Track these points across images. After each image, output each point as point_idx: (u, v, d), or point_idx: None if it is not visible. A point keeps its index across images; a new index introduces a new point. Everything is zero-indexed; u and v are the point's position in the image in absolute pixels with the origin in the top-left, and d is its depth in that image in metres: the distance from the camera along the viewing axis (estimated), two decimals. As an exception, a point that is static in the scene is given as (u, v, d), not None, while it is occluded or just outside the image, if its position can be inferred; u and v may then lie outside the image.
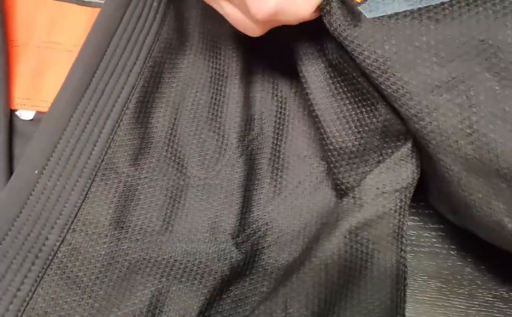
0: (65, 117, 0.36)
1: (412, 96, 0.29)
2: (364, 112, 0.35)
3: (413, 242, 0.38)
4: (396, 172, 0.33)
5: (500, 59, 0.28)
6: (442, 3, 0.30)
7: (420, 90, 0.29)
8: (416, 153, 0.33)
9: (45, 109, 0.39)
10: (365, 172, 0.34)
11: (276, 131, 0.40)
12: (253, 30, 0.34)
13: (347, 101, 0.36)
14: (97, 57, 0.38)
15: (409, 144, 0.33)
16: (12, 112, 0.40)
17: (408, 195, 0.33)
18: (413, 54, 0.30)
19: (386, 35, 0.30)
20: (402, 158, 0.33)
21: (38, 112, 0.40)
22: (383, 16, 0.31)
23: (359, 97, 0.35)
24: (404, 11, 0.30)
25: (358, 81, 0.34)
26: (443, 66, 0.29)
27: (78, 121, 0.36)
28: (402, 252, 0.33)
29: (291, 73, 0.41)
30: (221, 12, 0.35)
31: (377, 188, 0.33)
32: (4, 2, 0.43)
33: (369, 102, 0.34)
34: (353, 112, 0.35)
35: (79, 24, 0.43)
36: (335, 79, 0.37)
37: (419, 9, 0.30)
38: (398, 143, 0.33)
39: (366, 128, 0.34)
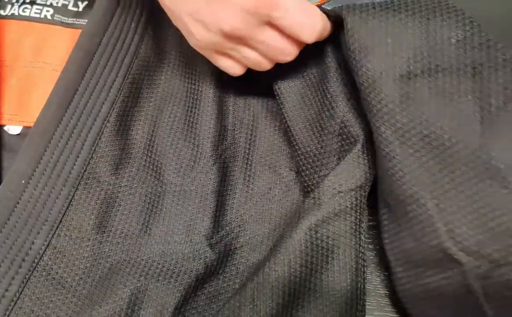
0: (49, 131, 0.39)
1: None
2: (325, 117, 0.38)
3: (376, 241, 0.41)
4: (351, 172, 0.36)
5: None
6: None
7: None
8: (367, 155, 0.36)
9: (32, 124, 0.42)
10: (326, 174, 0.38)
11: (248, 141, 0.44)
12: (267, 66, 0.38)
13: (312, 111, 0.40)
14: (79, 75, 0.42)
15: (359, 146, 0.36)
16: (0, 128, 0.42)
17: (363, 193, 0.36)
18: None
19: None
20: (354, 159, 0.36)
21: (25, 127, 0.43)
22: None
23: (322, 102, 0.39)
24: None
25: (322, 87, 0.38)
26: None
27: (61, 134, 0.39)
28: (361, 248, 0.36)
29: (261, 89, 0.44)
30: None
31: (334, 188, 0.36)
32: (-6, 26, 0.46)
33: (329, 106, 0.38)
34: (316, 119, 0.39)
35: (64, 44, 0.47)
36: (305, 93, 0.41)
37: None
38: (352, 145, 0.37)
39: (326, 131, 0.38)
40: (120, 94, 0.42)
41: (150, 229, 0.39)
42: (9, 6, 0.48)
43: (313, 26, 0.34)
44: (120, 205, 0.39)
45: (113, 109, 0.42)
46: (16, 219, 0.36)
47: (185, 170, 0.41)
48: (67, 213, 0.38)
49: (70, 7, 0.49)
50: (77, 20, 0.48)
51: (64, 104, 0.40)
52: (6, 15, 0.47)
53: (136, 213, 0.39)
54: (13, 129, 0.43)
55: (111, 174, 0.40)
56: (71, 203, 0.38)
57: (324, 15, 0.35)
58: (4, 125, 0.43)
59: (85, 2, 0.49)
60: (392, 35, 0.34)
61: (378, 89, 0.33)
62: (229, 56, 0.38)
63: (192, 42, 0.38)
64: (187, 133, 0.43)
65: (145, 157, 0.42)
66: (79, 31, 0.46)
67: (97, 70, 0.42)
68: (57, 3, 0.49)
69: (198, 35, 0.36)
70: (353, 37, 0.34)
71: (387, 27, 0.34)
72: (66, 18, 0.48)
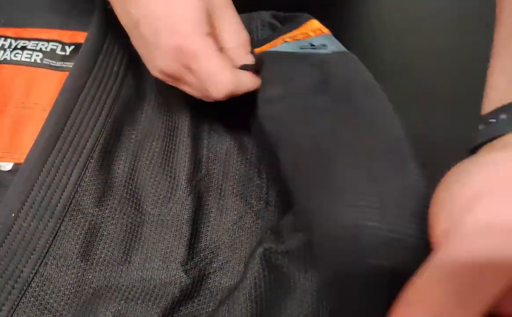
0: (37, 168, 0.43)
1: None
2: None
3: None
4: None
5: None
6: None
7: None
8: None
9: (22, 161, 0.45)
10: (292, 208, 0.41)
11: (221, 172, 0.47)
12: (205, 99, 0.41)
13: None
14: (65, 116, 0.45)
15: None
16: (-8, 164, 0.46)
17: None
18: None
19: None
20: None
21: (16, 164, 0.46)
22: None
23: None
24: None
25: None
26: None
27: (49, 170, 0.43)
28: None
29: (234, 123, 0.48)
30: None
31: (294, 224, 0.39)
32: (-14, 70, 0.50)
33: None
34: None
35: (52, 86, 0.50)
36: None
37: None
38: None
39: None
40: (103, 132, 0.46)
41: (130, 256, 0.42)
42: (1, 52, 0.52)
43: (219, 88, 0.37)
44: (103, 234, 0.43)
45: (97, 146, 0.45)
46: (6, 249, 0.40)
47: (163, 201, 0.45)
48: (53, 243, 0.41)
49: (58, 51, 0.53)
50: (65, 63, 0.52)
51: (51, 142, 0.44)
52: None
53: (117, 241, 0.43)
54: (4, 165, 0.46)
55: (95, 206, 0.44)
56: (58, 234, 0.42)
57: (239, 75, 0.38)
58: (-4, 162, 0.46)
59: (72, 47, 0.53)
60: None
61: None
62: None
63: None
64: (165, 166, 0.46)
65: (126, 190, 0.45)
66: (66, 73, 0.50)
67: (82, 110, 0.46)
68: (46, 48, 0.53)
69: (150, 69, 0.41)
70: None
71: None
72: (54, 62, 0.52)
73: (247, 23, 0.49)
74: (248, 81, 0.38)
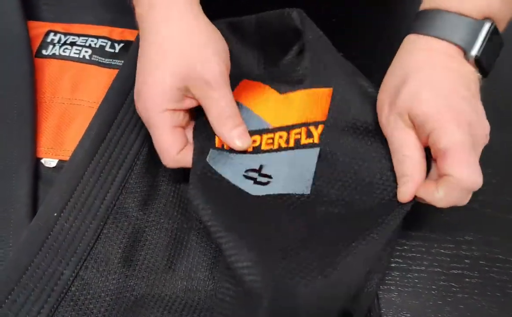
0: (82, 167, 0.41)
1: None
2: None
3: (398, 282, 0.41)
4: None
5: None
6: None
7: None
8: None
9: (67, 158, 0.44)
10: None
11: None
12: None
13: None
14: (113, 114, 0.44)
15: None
16: (38, 160, 0.45)
17: None
18: None
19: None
20: None
21: (60, 161, 0.45)
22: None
23: None
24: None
25: None
26: None
27: (93, 170, 0.41)
28: None
29: None
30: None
31: None
32: (35, 66, 0.49)
33: None
34: None
35: (100, 83, 0.49)
36: None
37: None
38: None
39: None
40: None
41: (174, 264, 0.40)
42: (50, 46, 0.51)
43: (164, 161, 0.40)
44: (146, 239, 0.41)
45: (144, 147, 0.43)
46: (47, 250, 0.38)
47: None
48: (95, 246, 0.39)
49: (107, 48, 0.51)
50: (113, 61, 0.50)
51: (97, 142, 0.42)
52: (48, 54, 0.50)
53: (161, 247, 0.40)
54: (49, 162, 0.45)
55: (139, 209, 0.41)
56: (100, 237, 0.40)
57: (183, 155, 0.40)
58: (41, 158, 0.45)
59: (121, 44, 0.52)
60: None
61: None
62: None
63: None
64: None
65: (172, 193, 0.43)
66: (115, 71, 0.48)
67: (130, 110, 0.44)
68: (95, 44, 0.51)
69: None
70: None
71: None
72: (103, 59, 0.51)
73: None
74: (187, 161, 0.40)
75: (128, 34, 0.53)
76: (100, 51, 0.51)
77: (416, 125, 0.36)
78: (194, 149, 0.40)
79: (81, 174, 0.41)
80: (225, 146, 0.41)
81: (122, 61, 0.50)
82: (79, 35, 0.52)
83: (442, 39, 0.37)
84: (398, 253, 0.42)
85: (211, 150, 0.40)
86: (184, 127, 0.41)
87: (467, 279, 0.41)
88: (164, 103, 0.38)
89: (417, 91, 0.35)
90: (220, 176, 0.39)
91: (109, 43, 0.52)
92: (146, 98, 0.38)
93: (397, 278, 0.41)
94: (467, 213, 0.39)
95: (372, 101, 0.40)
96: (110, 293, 0.38)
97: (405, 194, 0.36)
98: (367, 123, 0.40)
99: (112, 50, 0.51)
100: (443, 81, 0.35)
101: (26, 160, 0.43)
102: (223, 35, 0.42)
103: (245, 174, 0.40)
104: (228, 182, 0.39)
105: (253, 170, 0.40)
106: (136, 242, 0.40)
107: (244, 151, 0.41)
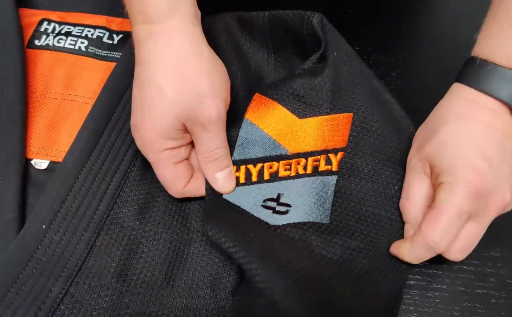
0: (73, 175, 0.38)
1: None
2: None
3: (417, 302, 0.38)
4: None
5: None
6: None
7: None
8: None
9: (59, 159, 0.40)
10: None
11: None
12: None
13: None
14: (106, 117, 0.40)
15: None
16: (27, 161, 0.41)
17: None
18: None
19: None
20: None
21: (52, 162, 0.41)
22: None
23: None
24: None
25: None
26: None
27: (86, 177, 0.38)
28: None
29: None
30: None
31: None
32: (27, 57, 0.45)
33: None
34: None
35: (96, 77, 0.45)
36: None
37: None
38: None
39: None
40: None
41: (173, 280, 0.37)
42: (44, 36, 0.47)
43: (171, 193, 0.38)
44: (143, 251, 0.37)
45: (139, 152, 0.40)
46: (34, 265, 0.35)
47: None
48: (87, 260, 0.36)
49: (105, 39, 0.48)
50: (111, 53, 0.47)
51: (89, 146, 0.39)
52: (41, 45, 0.47)
53: (159, 260, 0.37)
54: (39, 163, 0.41)
55: (135, 219, 0.38)
56: (92, 249, 0.36)
57: (188, 188, 0.38)
58: (31, 159, 0.41)
59: (120, 35, 0.48)
60: None
61: None
62: None
63: None
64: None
65: (172, 200, 0.40)
66: (113, 64, 0.45)
67: (125, 111, 0.41)
68: (92, 35, 0.48)
69: None
70: None
71: None
72: (100, 51, 0.47)
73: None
74: (195, 192, 0.39)
75: (127, 25, 0.49)
76: (97, 42, 0.47)
77: (433, 175, 0.36)
78: (207, 184, 0.39)
79: (72, 182, 0.37)
80: (240, 180, 0.39)
81: (120, 54, 0.46)
82: (75, 25, 0.48)
83: (488, 94, 0.35)
84: (417, 269, 0.39)
85: None
86: (188, 158, 0.39)
87: (493, 300, 0.38)
88: (162, 144, 0.37)
89: (444, 144, 0.35)
90: (238, 206, 0.38)
91: (107, 33, 0.48)
92: (144, 137, 0.37)
93: (416, 297, 0.38)
94: (492, 227, 0.36)
95: (393, 123, 0.40)
96: (102, 311, 0.35)
97: None
98: (388, 150, 0.40)
99: (110, 42, 0.48)
100: (474, 138, 0.35)
101: (14, 161, 0.40)
102: (231, 29, 0.40)
103: (263, 203, 0.38)
104: (246, 211, 0.38)
105: (272, 199, 0.39)
106: (131, 254, 0.37)
107: (262, 179, 0.39)
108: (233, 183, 0.39)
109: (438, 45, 0.51)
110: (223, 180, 0.38)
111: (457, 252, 0.35)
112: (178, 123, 0.36)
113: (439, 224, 0.33)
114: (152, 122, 0.36)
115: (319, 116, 0.40)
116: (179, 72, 0.35)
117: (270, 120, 0.40)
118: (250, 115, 0.40)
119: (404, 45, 0.51)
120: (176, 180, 0.38)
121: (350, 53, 0.41)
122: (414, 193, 0.37)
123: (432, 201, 0.35)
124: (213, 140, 0.37)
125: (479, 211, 0.34)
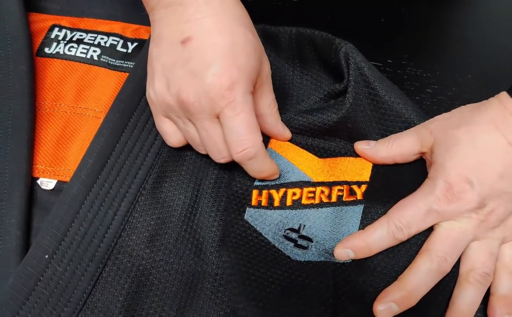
0: (78, 200, 0.35)
1: None
2: None
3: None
4: None
5: None
6: None
7: None
8: None
9: (67, 179, 0.38)
10: None
11: None
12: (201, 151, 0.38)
13: None
14: (115, 138, 0.37)
15: None
16: (33, 180, 0.39)
17: None
18: None
19: None
20: None
21: (59, 182, 0.39)
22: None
23: None
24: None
25: None
26: None
27: (92, 203, 0.35)
28: None
29: None
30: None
31: None
32: (36, 66, 0.42)
33: None
34: None
35: (108, 88, 0.43)
36: None
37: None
38: None
39: None
40: (159, 159, 0.38)
41: (185, 316, 0.34)
42: (54, 44, 0.45)
43: (243, 146, 0.34)
44: (153, 283, 0.35)
45: (150, 175, 0.37)
46: (35, 299, 0.32)
47: (229, 250, 0.36)
48: (92, 293, 0.33)
49: (118, 47, 0.45)
50: (125, 62, 0.44)
51: (96, 169, 0.36)
52: (51, 53, 0.44)
53: (170, 294, 0.34)
54: (46, 183, 0.39)
55: (145, 246, 0.35)
56: (98, 281, 0.34)
57: (264, 160, 0.35)
58: (37, 178, 0.39)
59: (135, 44, 0.45)
60: None
61: None
62: (173, 122, 0.37)
63: (149, 92, 0.37)
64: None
65: (184, 227, 0.37)
66: (126, 75, 0.42)
67: (135, 131, 0.38)
68: (105, 43, 0.45)
69: (158, 88, 0.35)
70: None
71: None
72: (114, 60, 0.44)
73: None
74: (267, 165, 0.36)
75: (143, 32, 0.46)
76: (110, 50, 0.45)
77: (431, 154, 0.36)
78: (228, 209, 0.37)
79: (78, 208, 0.35)
80: (262, 203, 0.37)
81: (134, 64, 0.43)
82: (87, 31, 0.46)
83: None
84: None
85: (247, 209, 0.37)
86: None
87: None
88: (249, 86, 0.34)
89: (456, 140, 0.35)
90: (260, 234, 0.36)
91: (121, 41, 0.45)
92: (235, 74, 0.33)
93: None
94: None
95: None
96: (108, 352, 0.32)
97: None
98: (412, 185, 0.36)
99: (124, 50, 0.45)
100: (491, 148, 0.34)
101: (19, 181, 0.37)
102: None
103: (285, 233, 0.36)
104: (267, 241, 0.35)
105: (293, 230, 0.36)
106: (140, 287, 0.34)
107: (284, 205, 0.37)
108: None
109: (480, 53, 0.48)
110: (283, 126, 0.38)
111: None
112: (257, 69, 0.35)
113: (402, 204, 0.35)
114: (242, 65, 0.33)
115: (340, 158, 0.39)
116: (247, 22, 0.35)
117: (293, 153, 0.38)
118: (273, 145, 0.38)
119: (437, 57, 0.47)
120: (258, 128, 0.35)
121: (374, 95, 0.38)
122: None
123: None
124: (272, 92, 0.37)
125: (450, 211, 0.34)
